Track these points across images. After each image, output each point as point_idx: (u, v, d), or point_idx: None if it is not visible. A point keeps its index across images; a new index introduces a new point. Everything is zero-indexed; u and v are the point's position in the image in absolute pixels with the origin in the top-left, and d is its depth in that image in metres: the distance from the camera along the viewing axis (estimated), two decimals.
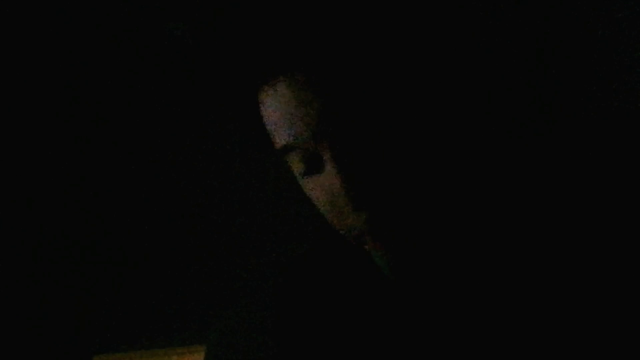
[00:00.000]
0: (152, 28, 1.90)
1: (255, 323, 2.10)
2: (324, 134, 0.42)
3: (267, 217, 2.29)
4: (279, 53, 0.41)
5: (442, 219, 0.45)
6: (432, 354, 0.49)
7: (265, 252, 2.23)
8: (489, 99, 0.48)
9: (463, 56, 0.45)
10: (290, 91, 0.42)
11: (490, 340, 0.46)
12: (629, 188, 0.46)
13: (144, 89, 2.05)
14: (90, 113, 2.10)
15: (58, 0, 1.83)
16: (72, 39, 1.90)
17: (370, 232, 0.43)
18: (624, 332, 0.43)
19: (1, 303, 2.36)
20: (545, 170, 0.50)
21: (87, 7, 1.83)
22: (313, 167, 0.44)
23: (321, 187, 0.45)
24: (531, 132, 0.55)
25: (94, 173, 2.24)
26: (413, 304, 0.50)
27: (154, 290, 2.34)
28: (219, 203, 2.33)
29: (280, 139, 0.44)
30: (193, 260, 2.35)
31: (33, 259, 2.41)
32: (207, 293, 2.27)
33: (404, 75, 0.41)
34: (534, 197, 0.49)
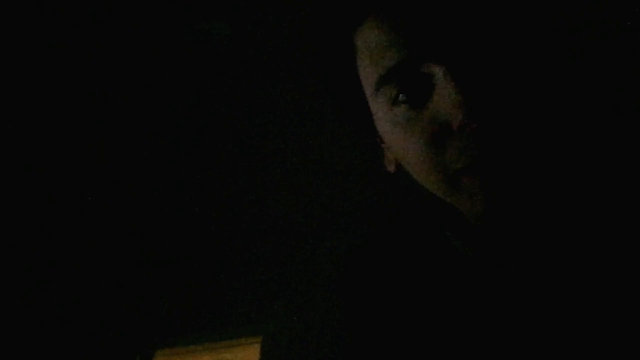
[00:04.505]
0: (189, 28, 1.91)
1: (310, 315, 2.17)
2: (439, 49, 0.41)
3: (323, 212, 2.32)
4: None
5: (548, 167, 0.42)
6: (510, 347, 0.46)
7: (320, 245, 2.27)
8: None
9: None
10: (402, 11, 0.41)
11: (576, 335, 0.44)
12: None
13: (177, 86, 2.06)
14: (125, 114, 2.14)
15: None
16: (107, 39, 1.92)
17: (478, 162, 0.40)
18: None
19: (69, 300, 2.49)
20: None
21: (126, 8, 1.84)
22: (417, 94, 0.42)
23: (422, 119, 0.43)
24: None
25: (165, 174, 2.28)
26: (489, 292, 0.48)
27: (211, 284, 2.42)
28: (276, 200, 2.37)
29: (386, 62, 0.43)
30: (249, 254, 2.41)
31: (101, 256, 2.52)
32: (263, 286, 2.34)
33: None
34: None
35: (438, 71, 0.41)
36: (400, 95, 0.43)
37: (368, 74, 0.46)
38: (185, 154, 2.33)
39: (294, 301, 2.16)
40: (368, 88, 0.47)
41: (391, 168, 0.52)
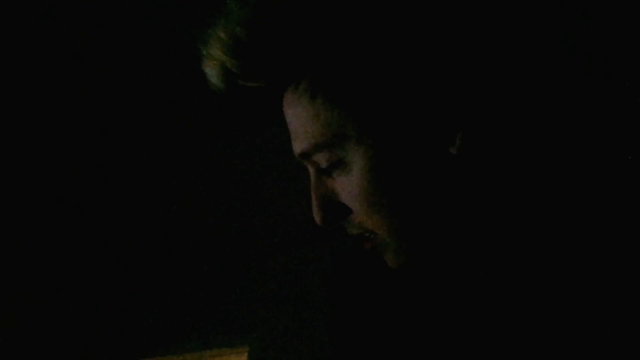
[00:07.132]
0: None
1: (298, 325, 2.12)
2: (351, 135, 0.43)
3: (312, 221, 2.30)
4: (298, 59, 0.43)
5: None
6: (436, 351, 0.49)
7: (310, 255, 2.24)
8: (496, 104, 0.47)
9: (465, 56, 0.45)
10: (317, 93, 0.43)
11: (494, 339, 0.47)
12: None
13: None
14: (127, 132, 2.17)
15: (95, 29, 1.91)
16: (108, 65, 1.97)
17: (377, 237, 0.46)
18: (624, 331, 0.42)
19: (55, 305, 2.45)
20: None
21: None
22: (335, 167, 0.46)
23: (340, 188, 0.47)
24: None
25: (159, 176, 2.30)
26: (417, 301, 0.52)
27: (196, 293, 2.38)
28: (264, 209, 2.36)
29: (307, 138, 0.45)
30: (234, 263, 2.38)
31: (83, 265, 2.49)
32: (250, 295, 2.30)
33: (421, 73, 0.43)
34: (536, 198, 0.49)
35: (351, 155, 0.45)
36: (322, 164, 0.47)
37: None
38: (176, 167, 2.33)
39: (282, 311, 2.12)
40: None
41: None
